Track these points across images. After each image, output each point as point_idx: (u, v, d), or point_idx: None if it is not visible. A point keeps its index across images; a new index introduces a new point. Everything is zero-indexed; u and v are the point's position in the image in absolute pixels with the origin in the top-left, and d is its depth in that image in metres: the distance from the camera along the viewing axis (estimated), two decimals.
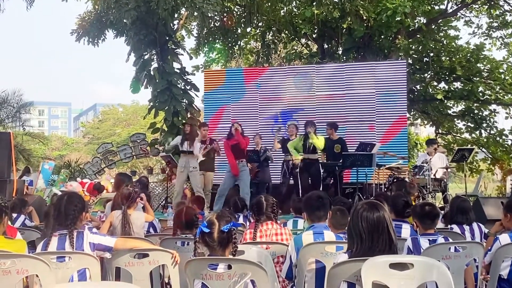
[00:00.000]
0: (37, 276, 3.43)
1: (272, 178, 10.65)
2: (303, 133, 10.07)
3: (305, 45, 19.99)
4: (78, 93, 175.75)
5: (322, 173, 9.90)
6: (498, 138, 17.30)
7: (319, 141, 9.82)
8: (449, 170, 10.61)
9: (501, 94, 16.65)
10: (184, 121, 14.06)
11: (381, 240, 2.92)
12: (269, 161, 10.55)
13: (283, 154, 10.40)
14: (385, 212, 2.99)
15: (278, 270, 4.08)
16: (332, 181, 10.00)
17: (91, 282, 3.57)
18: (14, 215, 6.38)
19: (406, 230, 4.87)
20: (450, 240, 4.19)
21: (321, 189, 9.21)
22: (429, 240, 4.07)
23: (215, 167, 11.14)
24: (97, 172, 14.89)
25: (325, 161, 10.22)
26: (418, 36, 17.02)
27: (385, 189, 9.91)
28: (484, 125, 17.45)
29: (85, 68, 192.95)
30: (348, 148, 10.60)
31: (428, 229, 4.21)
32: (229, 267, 3.17)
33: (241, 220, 6.41)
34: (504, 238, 4.27)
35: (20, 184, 9.89)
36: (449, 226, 5.36)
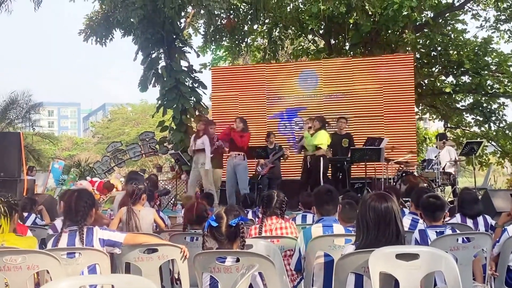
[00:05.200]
0: (47, 272, 3.47)
1: (288, 174, 10.67)
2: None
3: (312, 41, 19.96)
4: (87, 93, 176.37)
5: (324, 168, 9.74)
6: (507, 131, 17.22)
7: (311, 140, 9.64)
8: (458, 163, 10.57)
9: (510, 87, 16.56)
10: (192, 119, 14.14)
11: (388, 230, 2.92)
12: (282, 159, 10.62)
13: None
14: (394, 203, 2.99)
15: (286, 264, 4.09)
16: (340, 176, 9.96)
17: (101, 275, 3.60)
18: (25, 214, 6.44)
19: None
20: (458, 232, 4.18)
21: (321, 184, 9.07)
22: (436, 232, 4.05)
23: (224, 164, 11.14)
24: (106, 171, 14.96)
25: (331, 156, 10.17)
26: (426, 30, 16.97)
27: (394, 183, 9.90)
28: (493, 118, 17.38)
29: (94, 68, 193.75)
30: (356, 143, 10.56)
31: (434, 221, 4.19)
32: (237, 260, 3.19)
33: (249, 216, 6.42)
34: None
35: (30, 183, 9.98)
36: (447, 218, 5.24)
